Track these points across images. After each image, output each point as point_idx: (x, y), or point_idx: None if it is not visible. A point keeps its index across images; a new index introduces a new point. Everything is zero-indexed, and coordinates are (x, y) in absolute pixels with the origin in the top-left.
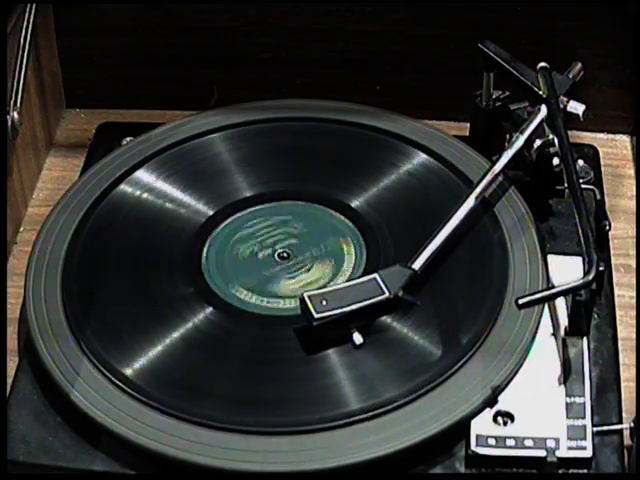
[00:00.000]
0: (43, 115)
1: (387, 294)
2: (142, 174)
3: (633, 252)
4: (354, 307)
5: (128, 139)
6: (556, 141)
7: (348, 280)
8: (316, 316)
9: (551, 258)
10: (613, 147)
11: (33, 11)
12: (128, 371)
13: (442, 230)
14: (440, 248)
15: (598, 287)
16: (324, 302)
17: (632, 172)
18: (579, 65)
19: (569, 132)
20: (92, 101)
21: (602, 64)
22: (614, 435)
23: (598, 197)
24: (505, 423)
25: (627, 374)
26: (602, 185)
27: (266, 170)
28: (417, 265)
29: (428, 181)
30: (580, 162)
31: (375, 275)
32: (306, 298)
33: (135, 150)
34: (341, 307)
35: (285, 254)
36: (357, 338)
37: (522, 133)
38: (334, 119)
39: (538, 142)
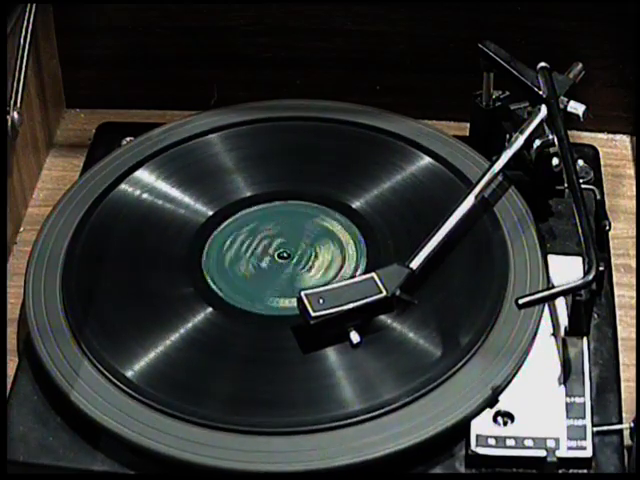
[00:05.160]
0: (43, 115)
1: (384, 293)
2: (142, 174)
3: (633, 252)
4: (351, 306)
5: (128, 139)
6: (556, 141)
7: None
8: (313, 315)
9: (551, 258)
10: (613, 147)
11: (33, 11)
12: (128, 371)
13: (440, 229)
14: (439, 248)
15: (598, 287)
16: (321, 301)
17: (632, 172)
18: (579, 65)
19: (569, 132)
20: (92, 101)
21: (602, 64)
22: (614, 435)
23: (598, 197)
24: (505, 423)
25: (627, 374)
26: (602, 185)
27: (266, 170)
28: (415, 264)
29: (428, 181)
30: (580, 162)
31: (373, 274)
32: (303, 297)
33: (135, 150)
34: (338, 306)
35: (285, 254)
36: (354, 337)
37: (522, 133)
38: (334, 119)
39: (538, 142)
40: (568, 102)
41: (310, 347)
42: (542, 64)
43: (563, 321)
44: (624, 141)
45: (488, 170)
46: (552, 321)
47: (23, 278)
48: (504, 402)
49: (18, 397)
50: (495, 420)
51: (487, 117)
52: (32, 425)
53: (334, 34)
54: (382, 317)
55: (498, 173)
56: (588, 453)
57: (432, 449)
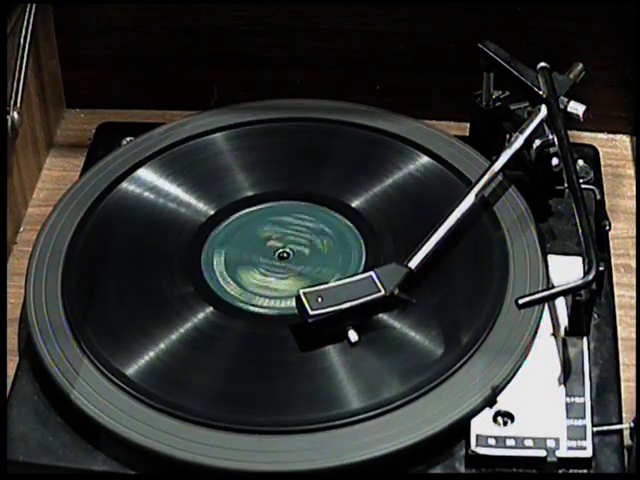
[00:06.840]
0: (43, 115)
1: (382, 292)
2: (142, 174)
3: (633, 252)
4: (349, 305)
5: (128, 139)
6: (556, 141)
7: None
8: (311, 313)
9: (551, 258)
10: (613, 147)
11: (33, 11)
12: (128, 371)
13: (439, 229)
14: (438, 247)
15: (598, 287)
16: (320, 299)
17: (632, 172)
18: (580, 66)
19: (569, 132)
20: (92, 101)
21: (602, 64)
22: (614, 435)
23: (598, 197)
24: (505, 423)
25: (627, 374)
26: (602, 185)
27: (266, 170)
28: (413, 264)
29: (428, 181)
30: (580, 162)
31: (371, 273)
32: (302, 295)
33: (135, 150)
34: (336, 304)
35: (285, 254)
36: (352, 336)
37: (522, 133)
38: (334, 119)
39: (538, 142)
40: (568, 102)
41: (308, 346)
42: (542, 64)
43: (563, 321)
44: (624, 141)
45: (488, 169)
46: (552, 321)
47: (23, 278)
48: (504, 402)
49: (18, 397)
50: (495, 420)
51: (487, 117)
52: (32, 425)
53: (334, 34)
54: (381, 316)
55: (498, 173)
56: (588, 453)
57: (432, 449)
